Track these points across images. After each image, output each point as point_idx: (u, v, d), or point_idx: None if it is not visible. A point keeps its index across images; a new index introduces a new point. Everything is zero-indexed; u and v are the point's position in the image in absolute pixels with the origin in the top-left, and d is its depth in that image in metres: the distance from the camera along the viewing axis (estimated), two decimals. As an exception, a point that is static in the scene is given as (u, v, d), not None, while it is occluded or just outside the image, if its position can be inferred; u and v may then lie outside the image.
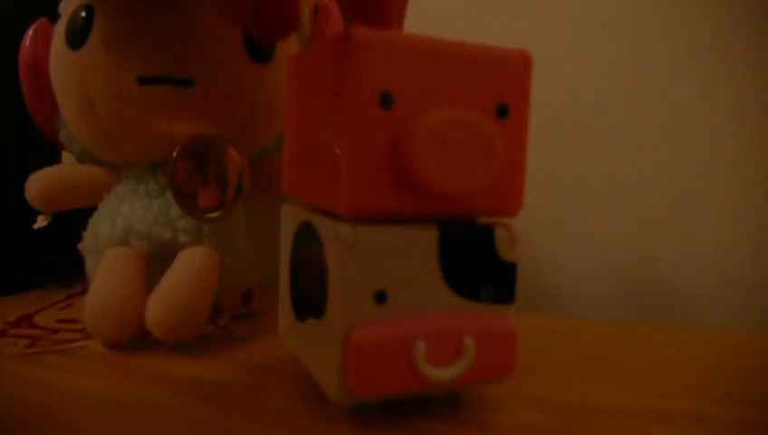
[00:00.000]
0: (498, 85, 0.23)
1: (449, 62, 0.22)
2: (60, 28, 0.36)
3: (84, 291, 0.33)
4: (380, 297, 0.22)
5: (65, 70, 0.35)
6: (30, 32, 0.38)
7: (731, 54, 0.43)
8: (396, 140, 0.22)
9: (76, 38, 0.34)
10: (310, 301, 0.25)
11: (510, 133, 0.23)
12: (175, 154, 0.33)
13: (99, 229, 0.35)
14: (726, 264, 0.44)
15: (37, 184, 0.37)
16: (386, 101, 0.22)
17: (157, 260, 0.34)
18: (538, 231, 0.46)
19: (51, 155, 0.43)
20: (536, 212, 0.44)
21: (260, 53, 0.35)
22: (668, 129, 0.45)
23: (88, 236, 0.36)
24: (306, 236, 0.25)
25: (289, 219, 0.28)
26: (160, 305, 0.30)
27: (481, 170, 0.22)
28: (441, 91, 0.22)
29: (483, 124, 0.22)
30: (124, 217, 0.34)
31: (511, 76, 0.23)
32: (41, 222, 0.38)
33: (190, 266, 0.33)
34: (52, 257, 0.43)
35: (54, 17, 0.38)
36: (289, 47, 0.37)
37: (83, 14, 0.34)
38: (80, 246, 0.37)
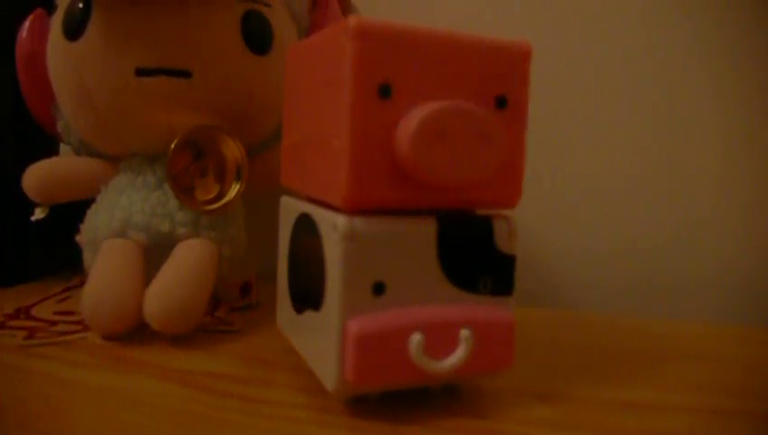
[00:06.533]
0: (497, 76, 0.23)
1: (448, 53, 0.22)
2: (57, 19, 0.36)
3: (82, 283, 0.33)
4: (378, 289, 0.22)
5: (62, 61, 0.35)
6: (27, 23, 0.38)
7: (736, 40, 0.43)
8: (395, 131, 0.22)
9: (73, 29, 0.34)
10: (308, 293, 0.25)
11: (509, 124, 0.23)
12: (173, 145, 0.33)
13: (97, 221, 0.35)
14: (729, 257, 0.44)
15: (35, 176, 0.37)
16: (385, 91, 0.21)
17: (155, 252, 0.33)
18: (537, 223, 0.46)
19: (48, 147, 0.43)
20: (536, 204, 0.44)
21: (258, 44, 0.35)
22: (670, 121, 0.44)
23: (86, 228, 0.36)
24: (304, 228, 0.25)
25: (287, 211, 0.28)
26: (158, 297, 0.30)
27: (479, 160, 0.22)
28: (440, 81, 0.22)
29: (481, 114, 0.22)
30: (122, 210, 0.34)
31: (510, 67, 0.23)
32: (38, 214, 0.38)
33: (188, 258, 0.33)
34: (51, 250, 0.43)
35: (51, 8, 0.37)
36: (287, 38, 0.37)
37: (81, 5, 0.34)
38: (78, 238, 0.37)
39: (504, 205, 0.24)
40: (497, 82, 0.23)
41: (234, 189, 0.35)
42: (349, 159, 0.21)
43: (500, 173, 0.23)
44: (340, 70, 0.22)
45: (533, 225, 0.46)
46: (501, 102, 0.23)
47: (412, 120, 0.21)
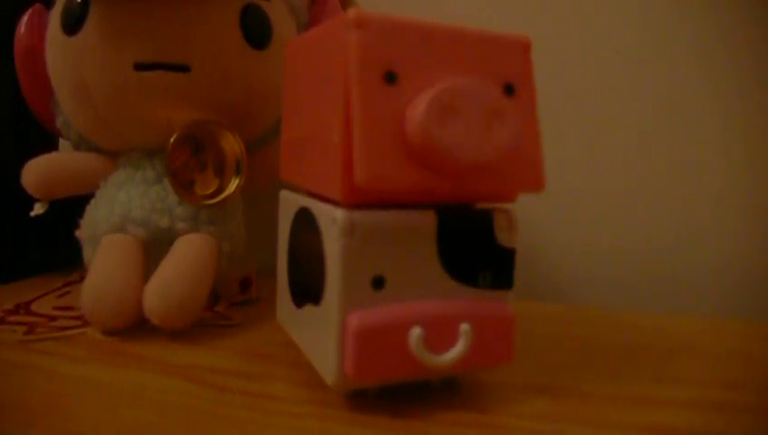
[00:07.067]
0: (501, 65, 0.23)
1: (450, 43, 0.22)
2: (55, 14, 0.36)
3: (82, 278, 0.33)
4: (378, 283, 0.22)
5: (61, 56, 0.35)
6: (25, 18, 0.38)
7: (736, 40, 0.43)
8: (404, 116, 0.21)
9: (72, 24, 0.34)
10: (308, 287, 0.25)
11: (519, 112, 0.23)
12: (172, 140, 0.33)
13: (96, 217, 0.35)
14: (729, 254, 0.44)
15: (34, 171, 0.37)
16: (390, 77, 0.21)
17: (154, 247, 0.33)
18: (538, 218, 0.46)
19: (48, 142, 0.43)
20: (537, 199, 0.44)
21: (257, 39, 0.35)
22: (670, 120, 0.44)
23: (85, 223, 0.36)
24: (304, 223, 0.25)
25: (287, 206, 0.28)
26: (158, 292, 0.30)
27: (494, 138, 0.22)
28: (445, 68, 0.22)
29: (492, 92, 0.22)
30: (121, 205, 0.34)
31: (513, 58, 0.23)
32: (38, 209, 0.38)
33: (188, 253, 0.32)
34: (50, 245, 0.43)
35: (50, 3, 0.37)
36: (286, 33, 0.37)
37: (79, -1, 0.34)
38: (77, 233, 0.37)
39: (530, 190, 0.24)
40: (502, 70, 0.23)
41: (233, 184, 0.35)
42: (353, 149, 0.21)
43: (518, 160, 0.23)
44: (342, 61, 0.21)
45: (534, 220, 0.46)
46: (509, 90, 0.23)
47: (423, 98, 0.21)
